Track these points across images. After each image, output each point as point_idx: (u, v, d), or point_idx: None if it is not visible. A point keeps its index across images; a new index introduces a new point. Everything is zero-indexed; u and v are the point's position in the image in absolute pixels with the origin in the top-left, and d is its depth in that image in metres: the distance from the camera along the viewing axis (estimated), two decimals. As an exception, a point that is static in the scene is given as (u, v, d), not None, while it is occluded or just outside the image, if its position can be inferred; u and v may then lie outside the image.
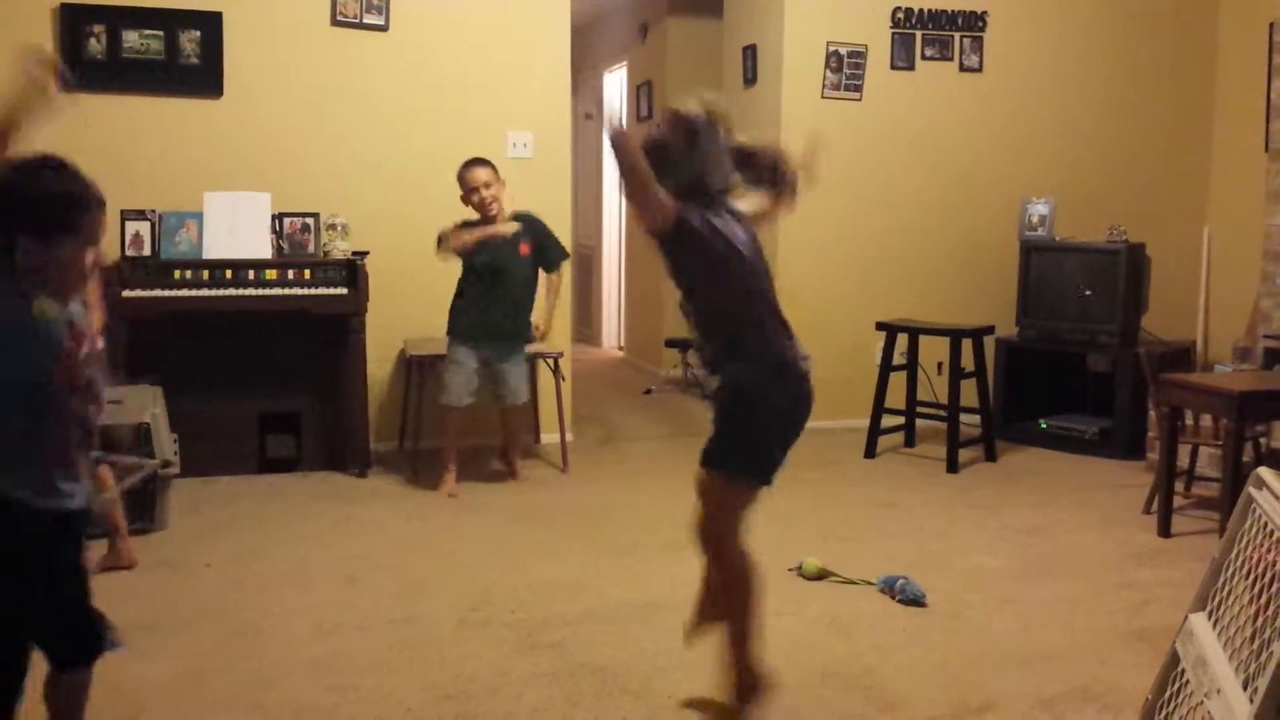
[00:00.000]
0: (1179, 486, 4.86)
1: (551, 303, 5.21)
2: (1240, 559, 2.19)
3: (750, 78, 6.77)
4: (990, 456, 5.76)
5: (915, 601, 3.67)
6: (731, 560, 2.77)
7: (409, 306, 5.52)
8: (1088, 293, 5.94)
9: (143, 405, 4.37)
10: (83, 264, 2.13)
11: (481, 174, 4.88)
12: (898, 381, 5.89)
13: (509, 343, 5.03)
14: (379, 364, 5.56)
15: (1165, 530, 4.52)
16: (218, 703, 2.93)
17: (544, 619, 3.51)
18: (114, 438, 4.22)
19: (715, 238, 2.71)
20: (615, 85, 9.27)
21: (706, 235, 2.70)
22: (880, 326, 5.84)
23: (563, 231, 5.70)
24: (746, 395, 2.72)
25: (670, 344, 7.60)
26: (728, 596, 2.80)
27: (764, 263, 2.82)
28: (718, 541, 2.78)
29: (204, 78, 5.31)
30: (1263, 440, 4.85)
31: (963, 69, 6.50)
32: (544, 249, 5.08)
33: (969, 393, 5.67)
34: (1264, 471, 2.21)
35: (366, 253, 5.27)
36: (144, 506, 4.29)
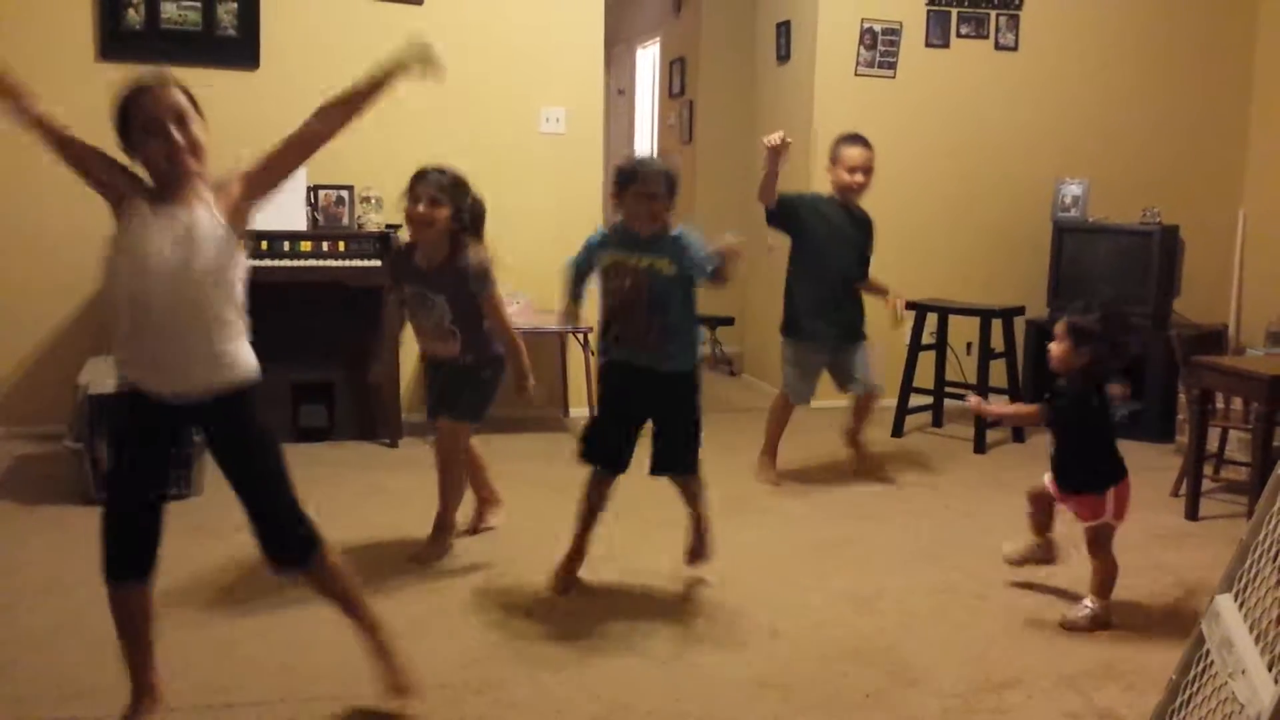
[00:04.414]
0: (1208, 470, 4.85)
1: None
2: (1269, 541, 2.19)
3: (784, 54, 6.75)
4: (1018, 437, 5.76)
5: None
6: (460, 465, 3.90)
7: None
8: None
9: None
10: None
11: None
12: (926, 361, 5.89)
13: None
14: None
15: (1193, 513, 4.51)
16: (249, 664, 2.99)
17: (571, 589, 3.56)
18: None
19: None
20: (648, 60, 9.25)
21: None
22: (910, 306, 5.81)
23: (594, 208, 5.72)
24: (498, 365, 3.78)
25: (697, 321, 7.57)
26: (456, 489, 3.90)
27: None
28: (458, 460, 3.86)
29: (241, 49, 5.36)
30: (1294, 425, 4.82)
31: (998, 48, 6.45)
32: None
33: (998, 373, 5.66)
34: (1294, 453, 2.21)
35: (400, 226, 5.29)
36: (180, 473, 4.35)
